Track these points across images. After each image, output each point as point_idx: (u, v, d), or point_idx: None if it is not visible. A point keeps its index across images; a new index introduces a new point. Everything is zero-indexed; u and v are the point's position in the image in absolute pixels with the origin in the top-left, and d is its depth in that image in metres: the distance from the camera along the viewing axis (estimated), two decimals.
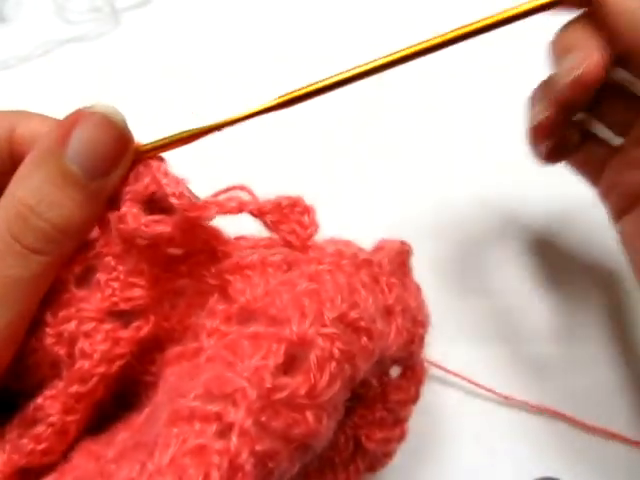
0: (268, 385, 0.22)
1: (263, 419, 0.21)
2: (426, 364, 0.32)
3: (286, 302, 0.24)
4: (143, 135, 0.49)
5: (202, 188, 0.28)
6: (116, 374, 0.26)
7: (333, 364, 0.23)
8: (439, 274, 0.45)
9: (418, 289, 0.31)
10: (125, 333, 0.26)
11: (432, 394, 0.41)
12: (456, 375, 0.40)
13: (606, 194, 0.37)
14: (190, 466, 0.20)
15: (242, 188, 0.28)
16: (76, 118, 0.26)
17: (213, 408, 0.21)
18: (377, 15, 0.57)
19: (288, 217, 0.27)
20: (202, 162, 0.48)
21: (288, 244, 0.28)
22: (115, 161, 0.26)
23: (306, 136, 0.50)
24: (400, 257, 0.30)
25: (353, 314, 0.24)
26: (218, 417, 0.21)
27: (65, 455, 0.26)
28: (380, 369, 0.28)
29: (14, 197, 0.25)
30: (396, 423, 0.29)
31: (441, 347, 0.39)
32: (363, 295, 0.25)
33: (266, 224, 0.27)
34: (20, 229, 0.25)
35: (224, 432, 0.21)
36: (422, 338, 0.30)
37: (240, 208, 0.27)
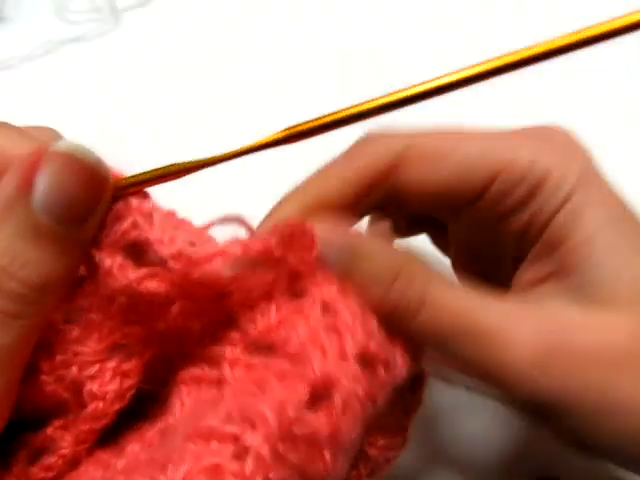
0: (290, 415, 0.21)
1: (280, 449, 0.21)
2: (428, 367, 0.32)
3: (303, 337, 0.23)
4: (143, 135, 0.50)
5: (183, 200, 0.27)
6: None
7: (357, 405, 0.22)
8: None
9: None
10: (130, 364, 0.25)
11: (431, 392, 0.41)
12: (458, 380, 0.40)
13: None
14: None
15: (237, 219, 0.27)
16: (37, 160, 0.22)
17: (231, 429, 0.21)
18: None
19: (293, 247, 0.25)
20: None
21: (296, 272, 0.26)
22: (91, 204, 0.23)
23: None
24: None
25: (373, 346, 0.24)
26: (235, 439, 0.21)
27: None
28: None
29: None
30: (399, 430, 0.29)
31: None
32: (374, 321, 0.25)
33: (273, 260, 0.25)
34: None
35: (240, 454, 0.21)
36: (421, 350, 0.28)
37: (245, 251, 0.24)
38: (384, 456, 0.29)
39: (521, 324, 0.26)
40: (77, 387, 0.25)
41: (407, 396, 0.29)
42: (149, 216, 0.24)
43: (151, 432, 0.25)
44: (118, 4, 0.56)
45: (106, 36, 0.55)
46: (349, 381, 0.22)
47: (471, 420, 0.40)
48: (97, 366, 0.25)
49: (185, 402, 0.25)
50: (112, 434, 0.27)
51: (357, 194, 0.29)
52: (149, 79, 0.54)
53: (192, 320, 0.26)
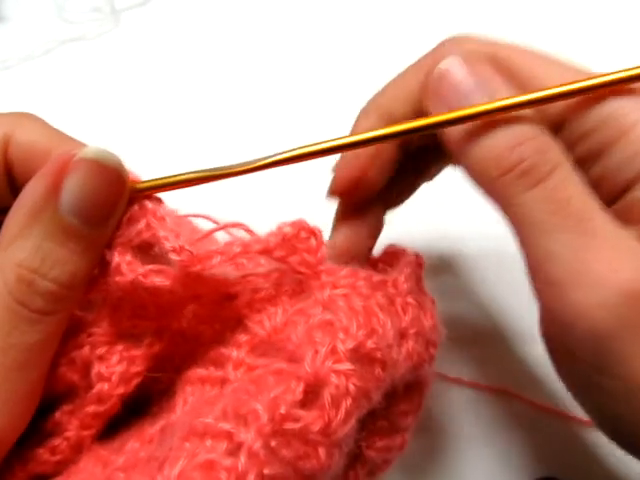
0: (282, 412, 0.21)
1: (273, 444, 0.21)
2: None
3: (301, 336, 0.24)
4: (142, 134, 0.50)
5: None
6: (133, 390, 0.26)
7: (349, 401, 0.23)
8: (435, 276, 0.45)
9: (433, 304, 0.29)
10: (138, 351, 0.26)
11: (431, 392, 0.41)
12: (458, 381, 0.40)
13: None
14: None
15: (239, 225, 0.27)
16: (65, 165, 0.24)
17: (225, 426, 0.21)
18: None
19: (295, 247, 0.26)
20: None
21: (299, 274, 0.27)
22: (113, 206, 0.25)
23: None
24: (416, 273, 0.29)
25: (370, 344, 0.24)
26: (229, 436, 0.21)
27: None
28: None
29: (11, 260, 0.24)
30: (397, 432, 0.29)
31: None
32: (381, 319, 0.25)
33: (274, 259, 0.26)
34: (25, 294, 0.24)
35: (234, 451, 0.21)
36: (433, 357, 0.29)
37: (245, 251, 0.25)
38: (382, 457, 0.29)
39: (628, 253, 0.23)
40: (87, 369, 0.26)
41: (407, 398, 0.29)
42: (162, 219, 0.25)
43: (152, 430, 0.25)
44: (117, 4, 0.56)
45: (105, 36, 0.55)
46: (339, 377, 0.23)
47: (471, 420, 0.40)
48: (106, 347, 0.26)
49: (188, 401, 0.25)
50: (112, 433, 0.27)
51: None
52: (148, 78, 0.54)
53: (204, 324, 0.27)
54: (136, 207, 0.25)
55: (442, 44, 0.30)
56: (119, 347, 0.26)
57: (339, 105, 0.51)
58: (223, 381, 0.25)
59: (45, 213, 0.24)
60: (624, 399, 0.23)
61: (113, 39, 0.55)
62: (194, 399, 0.25)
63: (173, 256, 0.25)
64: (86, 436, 0.26)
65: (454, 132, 0.25)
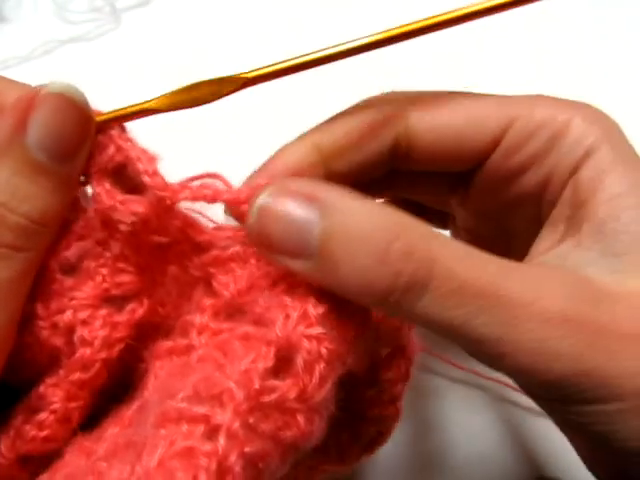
0: (256, 387, 0.21)
1: (251, 421, 0.21)
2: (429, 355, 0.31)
3: (270, 300, 0.23)
4: (142, 135, 0.50)
5: (173, 172, 0.27)
6: (116, 358, 0.26)
7: (322, 365, 0.22)
8: None
9: None
10: (121, 317, 0.26)
11: (431, 392, 0.41)
12: (465, 369, 0.40)
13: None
14: (178, 469, 0.20)
15: (216, 176, 0.27)
16: (31, 101, 0.24)
17: (200, 410, 0.21)
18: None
19: None
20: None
21: None
22: (81, 141, 0.24)
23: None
24: None
25: (340, 308, 0.23)
26: (205, 419, 0.21)
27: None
28: (370, 351, 0.28)
29: None
30: (388, 401, 0.29)
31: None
32: None
33: (242, 215, 0.25)
34: None
35: (212, 434, 0.20)
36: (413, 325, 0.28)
37: (214, 197, 0.25)
38: (376, 428, 0.29)
39: (548, 292, 0.22)
40: (70, 334, 0.25)
41: (394, 365, 0.29)
42: (130, 140, 0.25)
43: (129, 412, 0.25)
44: (118, 4, 0.56)
45: (106, 36, 0.55)
46: (311, 342, 0.22)
47: (471, 420, 0.40)
48: (89, 311, 0.25)
49: (158, 375, 0.25)
50: (94, 425, 0.26)
51: (362, 137, 0.28)
52: (149, 79, 0.54)
53: (181, 287, 0.27)
54: (103, 136, 0.25)
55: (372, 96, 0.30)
56: (102, 312, 0.26)
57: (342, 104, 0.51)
58: (188, 348, 0.25)
59: (13, 149, 0.23)
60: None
61: (113, 39, 0.55)
62: (164, 373, 0.25)
63: (145, 178, 0.25)
64: (73, 408, 0.26)
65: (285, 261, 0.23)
